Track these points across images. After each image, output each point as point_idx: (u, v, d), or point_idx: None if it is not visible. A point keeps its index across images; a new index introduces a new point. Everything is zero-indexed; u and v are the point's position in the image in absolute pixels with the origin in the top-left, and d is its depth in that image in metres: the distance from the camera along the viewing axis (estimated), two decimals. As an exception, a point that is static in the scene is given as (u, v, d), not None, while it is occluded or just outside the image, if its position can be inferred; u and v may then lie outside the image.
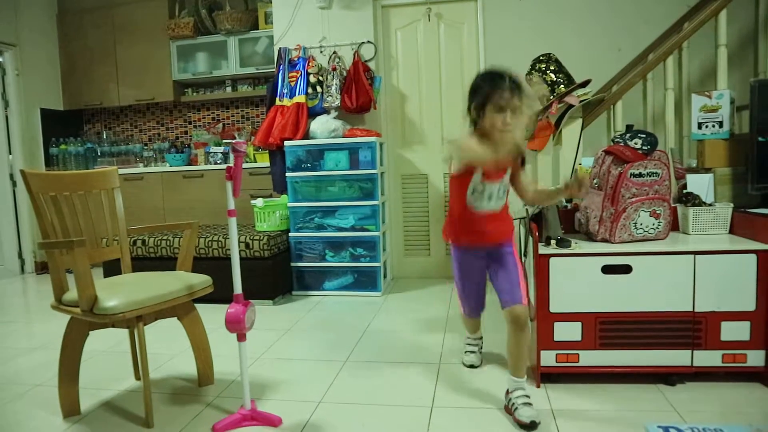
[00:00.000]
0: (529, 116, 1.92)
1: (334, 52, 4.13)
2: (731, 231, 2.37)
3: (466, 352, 2.53)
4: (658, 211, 2.22)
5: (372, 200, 3.87)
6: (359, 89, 3.99)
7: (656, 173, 2.20)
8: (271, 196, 4.36)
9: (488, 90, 1.88)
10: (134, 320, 2.01)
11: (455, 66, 4.23)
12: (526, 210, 2.41)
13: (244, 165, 4.16)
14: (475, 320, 2.46)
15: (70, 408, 2.13)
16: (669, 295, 2.13)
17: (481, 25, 4.15)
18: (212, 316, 2.61)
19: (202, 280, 2.24)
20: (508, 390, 2.03)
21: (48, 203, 2.13)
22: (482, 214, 2.03)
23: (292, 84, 4.07)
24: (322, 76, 4.07)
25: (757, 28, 3.60)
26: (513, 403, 1.97)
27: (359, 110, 4.04)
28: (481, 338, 2.56)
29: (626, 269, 2.15)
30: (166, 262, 3.73)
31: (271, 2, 4.45)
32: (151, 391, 2.09)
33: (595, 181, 2.35)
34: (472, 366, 2.47)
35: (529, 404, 1.95)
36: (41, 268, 5.22)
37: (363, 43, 4.14)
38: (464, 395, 2.20)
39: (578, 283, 2.17)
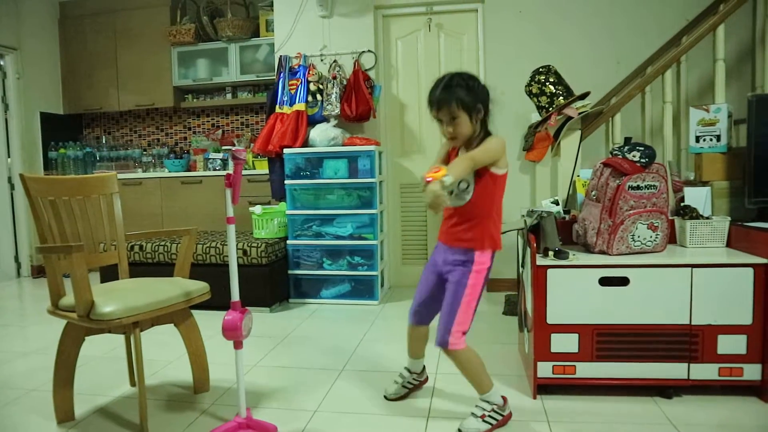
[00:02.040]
0: (473, 116, 1.88)
1: (335, 61, 4.15)
2: (728, 244, 2.37)
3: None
4: (655, 224, 2.23)
5: (370, 209, 3.87)
6: (359, 98, 4.00)
7: (654, 186, 2.21)
8: (269, 203, 4.37)
9: (428, 102, 1.94)
10: (131, 326, 2.00)
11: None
12: (525, 221, 2.41)
13: (243, 172, 4.16)
14: (415, 331, 2.22)
15: (65, 414, 2.12)
16: (666, 307, 2.13)
17: (481, 36, 4.18)
18: (209, 322, 2.60)
19: (199, 287, 2.23)
20: None
21: (46, 207, 2.13)
22: (450, 207, 2.02)
23: (292, 92, 4.08)
24: (322, 84, 4.08)
25: (755, 43, 3.63)
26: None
27: (359, 119, 4.06)
28: (417, 375, 2.31)
29: (624, 281, 2.15)
30: (163, 268, 3.72)
31: (272, 10, 4.48)
32: (147, 398, 2.08)
33: (593, 193, 2.35)
34: (385, 397, 2.28)
35: (475, 415, 1.97)
36: (37, 271, 5.21)
37: (363, 52, 4.16)
38: (460, 405, 2.19)
39: (575, 294, 2.17)
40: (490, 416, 1.97)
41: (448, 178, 1.69)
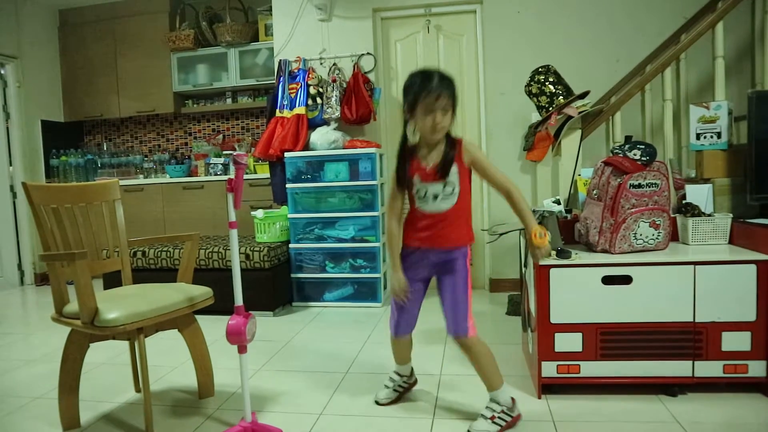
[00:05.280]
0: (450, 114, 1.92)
1: (334, 64, 4.16)
2: (730, 241, 2.37)
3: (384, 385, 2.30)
4: (657, 222, 2.23)
5: (372, 211, 3.87)
6: (359, 101, 4.01)
7: (655, 184, 2.21)
8: (271, 207, 4.37)
9: (416, 91, 1.92)
10: (135, 332, 2.00)
11: (454, 78, 4.25)
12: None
13: (245, 176, 4.17)
14: (400, 342, 2.19)
15: (70, 420, 2.12)
16: (669, 305, 2.13)
17: (480, 37, 4.18)
18: (213, 327, 2.60)
19: (202, 292, 2.24)
20: None
21: (49, 215, 2.14)
22: (429, 213, 1.98)
23: (292, 95, 4.09)
24: (322, 87, 4.10)
25: (754, 39, 3.63)
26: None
27: (359, 121, 4.06)
28: (407, 378, 2.30)
29: (626, 280, 2.15)
30: (166, 274, 3.73)
31: (271, 14, 4.49)
32: (152, 404, 2.08)
33: (594, 192, 2.36)
34: (377, 402, 2.25)
35: (485, 417, 1.97)
36: (41, 279, 5.21)
37: (363, 54, 4.17)
38: (465, 407, 2.19)
39: (579, 293, 2.17)
40: (500, 417, 1.97)
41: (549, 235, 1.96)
